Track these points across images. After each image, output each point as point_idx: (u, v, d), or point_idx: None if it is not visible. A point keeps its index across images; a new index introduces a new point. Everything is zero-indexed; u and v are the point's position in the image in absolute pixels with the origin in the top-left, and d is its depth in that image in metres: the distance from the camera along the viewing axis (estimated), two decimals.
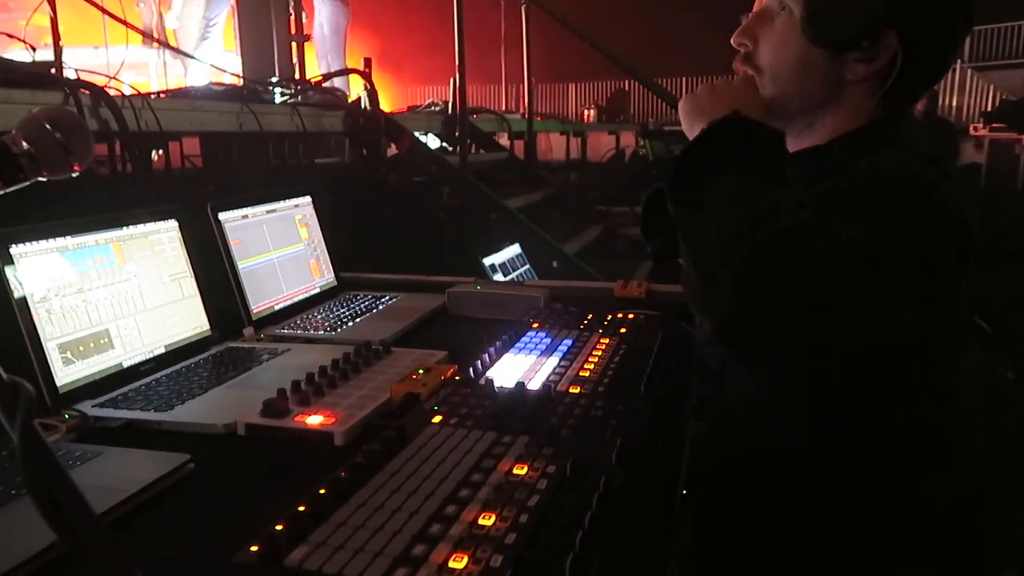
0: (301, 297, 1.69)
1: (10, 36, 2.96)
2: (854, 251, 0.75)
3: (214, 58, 5.00)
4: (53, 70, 2.39)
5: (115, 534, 0.73)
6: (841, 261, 0.75)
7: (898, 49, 0.95)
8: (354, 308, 1.69)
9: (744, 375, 1.06)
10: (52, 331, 1.12)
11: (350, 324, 1.58)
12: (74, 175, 0.67)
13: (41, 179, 0.65)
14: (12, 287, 1.07)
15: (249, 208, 1.61)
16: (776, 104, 1.03)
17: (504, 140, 5.52)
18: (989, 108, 10.41)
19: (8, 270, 1.08)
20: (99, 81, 2.18)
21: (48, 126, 0.64)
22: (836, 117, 1.02)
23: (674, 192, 0.88)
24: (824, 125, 1.03)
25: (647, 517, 0.84)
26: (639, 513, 0.83)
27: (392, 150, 3.68)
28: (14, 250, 1.09)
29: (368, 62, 3.57)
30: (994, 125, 7.66)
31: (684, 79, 11.65)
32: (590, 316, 1.47)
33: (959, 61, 10.30)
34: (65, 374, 1.12)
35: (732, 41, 1.06)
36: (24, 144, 0.63)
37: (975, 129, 8.20)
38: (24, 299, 1.09)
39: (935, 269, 0.80)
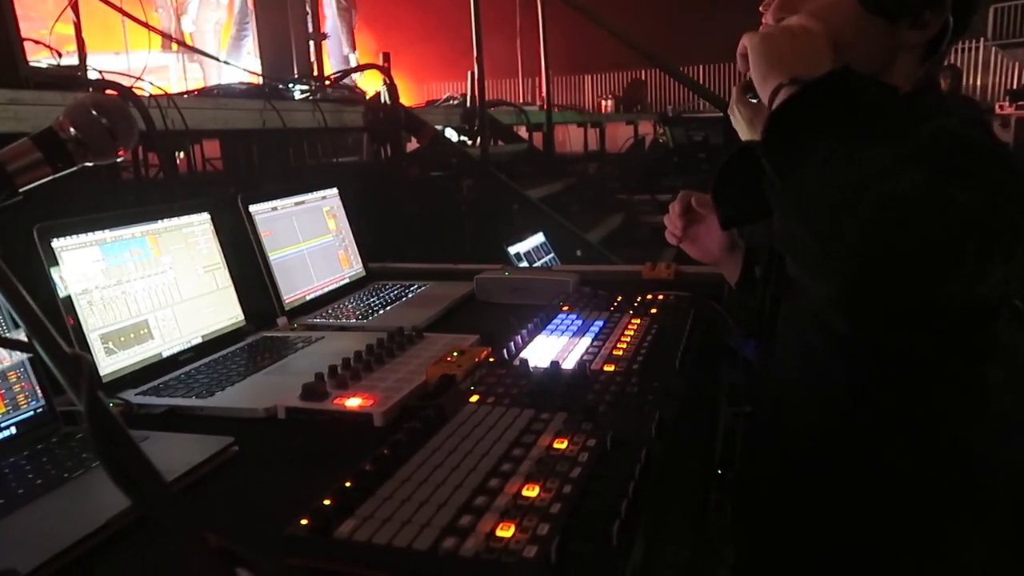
0: (331, 287, 1.71)
1: (37, 42, 3.01)
2: (967, 213, 0.73)
3: (233, 59, 5.04)
4: (79, 74, 2.42)
5: (184, 497, 0.75)
6: (960, 222, 0.73)
7: (949, 17, 0.96)
8: (384, 297, 1.70)
9: (803, 357, 1.04)
10: (94, 322, 1.14)
11: (381, 312, 1.59)
12: (118, 160, 0.68)
13: (87, 164, 0.67)
14: (55, 280, 1.10)
15: (278, 200, 1.63)
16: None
17: (522, 133, 5.52)
18: (1014, 86, 10.22)
19: (51, 263, 1.10)
20: (124, 83, 2.22)
21: (94, 111, 0.65)
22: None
23: (774, 151, 0.84)
24: None
25: (687, 489, 0.84)
26: (680, 485, 0.83)
27: (412, 144, 3.69)
28: (56, 244, 1.12)
29: (387, 57, 3.58)
30: (1020, 103, 7.53)
31: (702, 66, 11.57)
32: (620, 298, 1.47)
33: (983, 39, 10.10)
34: (108, 364, 1.14)
35: (770, 15, 1.03)
36: (72, 130, 0.65)
37: (1001, 108, 8.06)
38: (67, 291, 1.11)
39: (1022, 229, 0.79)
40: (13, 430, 0.95)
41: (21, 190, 0.63)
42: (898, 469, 0.94)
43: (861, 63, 0.97)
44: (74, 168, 0.66)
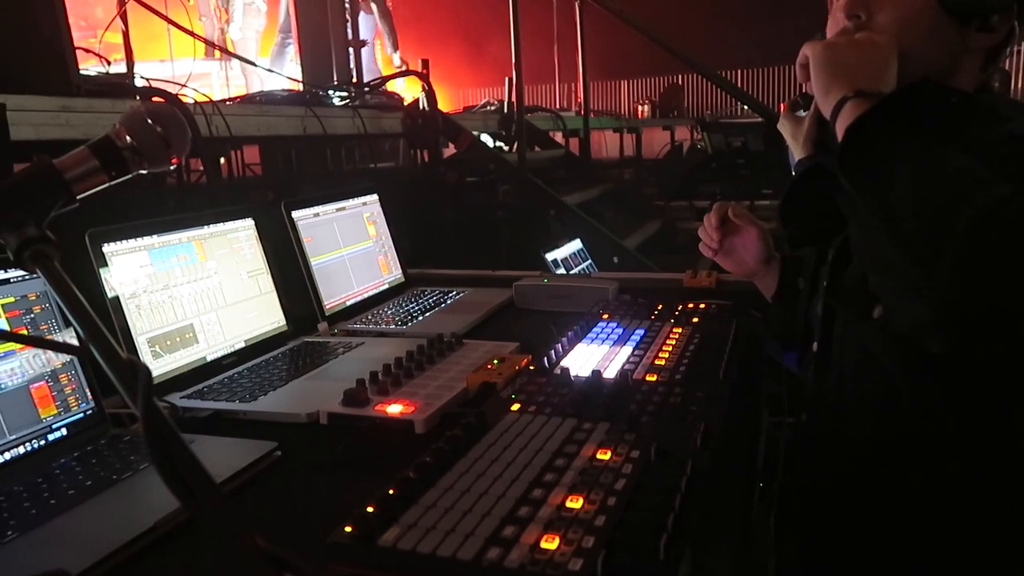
0: (371, 293, 1.72)
1: (87, 51, 3.09)
2: None
3: (276, 66, 5.12)
4: (127, 81, 2.48)
5: (234, 501, 0.76)
6: None
7: (1015, 22, 0.95)
8: (423, 303, 1.71)
9: (852, 369, 1.02)
10: (142, 326, 1.16)
11: (420, 318, 1.60)
12: (171, 167, 0.70)
13: (142, 172, 0.68)
14: (105, 284, 1.12)
15: (320, 206, 1.64)
16: (905, 73, 0.96)
17: (559, 138, 5.52)
18: None
19: (102, 267, 1.13)
20: (170, 90, 2.26)
21: (149, 120, 0.66)
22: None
23: (853, 168, 0.83)
24: None
25: (734, 501, 0.83)
26: (726, 497, 0.81)
27: (449, 150, 3.71)
28: (106, 249, 1.14)
29: (425, 63, 3.61)
30: None
31: (740, 71, 11.45)
32: (660, 306, 1.46)
33: None
34: (154, 367, 1.16)
35: (843, 11, 1.00)
36: (127, 138, 0.66)
37: None
38: (116, 295, 1.13)
39: None
40: (64, 431, 0.97)
41: (79, 197, 0.65)
42: (968, 481, 0.91)
43: (926, 66, 0.96)
44: (129, 176, 0.67)
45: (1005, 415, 0.89)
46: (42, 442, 0.94)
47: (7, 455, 0.90)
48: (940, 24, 0.96)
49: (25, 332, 0.95)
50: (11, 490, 0.85)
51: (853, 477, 1.00)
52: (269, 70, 4.50)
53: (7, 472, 0.89)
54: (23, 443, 0.92)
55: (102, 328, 0.52)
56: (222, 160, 3.04)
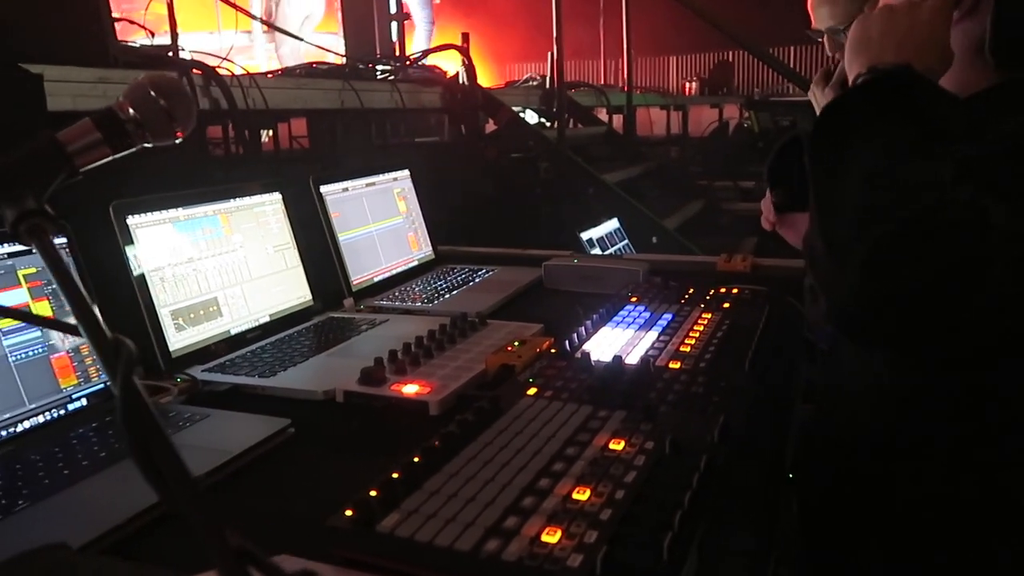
0: (399, 269, 1.71)
1: (131, 22, 3.13)
2: (1001, 239, 0.68)
3: (317, 39, 5.12)
4: (170, 53, 2.50)
5: (207, 492, 0.76)
6: (984, 255, 0.68)
7: None
8: (451, 280, 1.69)
9: (856, 358, 0.99)
10: (165, 298, 1.17)
11: (447, 296, 1.58)
12: (177, 141, 0.68)
13: (146, 145, 0.67)
14: (129, 256, 1.13)
15: (349, 181, 1.63)
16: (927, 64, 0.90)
17: (603, 115, 5.43)
18: None
19: (126, 240, 1.13)
20: (211, 63, 2.27)
21: (152, 92, 0.65)
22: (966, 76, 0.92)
23: (815, 146, 0.80)
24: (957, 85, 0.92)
25: (750, 500, 0.80)
26: (741, 495, 0.78)
27: (490, 125, 3.68)
28: (131, 221, 1.14)
29: (466, 37, 3.56)
30: None
31: (792, 47, 11.11)
32: (691, 290, 1.41)
33: None
34: (177, 339, 1.17)
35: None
36: (131, 111, 0.65)
37: None
38: (139, 266, 1.14)
39: None
40: (84, 402, 0.98)
41: (82, 170, 0.64)
42: (951, 478, 0.88)
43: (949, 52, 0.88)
44: (132, 149, 0.66)
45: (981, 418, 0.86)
46: (62, 412, 0.96)
47: (27, 423, 0.91)
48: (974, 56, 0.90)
49: (46, 302, 0.96)
50: (28, 458, 0.86)
51: (847, 471, 0.98)
52: (308, 42, 4.49)
53: (26, 440, 0.90)
54: (43, 412, 0.93)
55: (91, 305, 0.51)
56: (268, 133, 3.06)
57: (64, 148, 0.62)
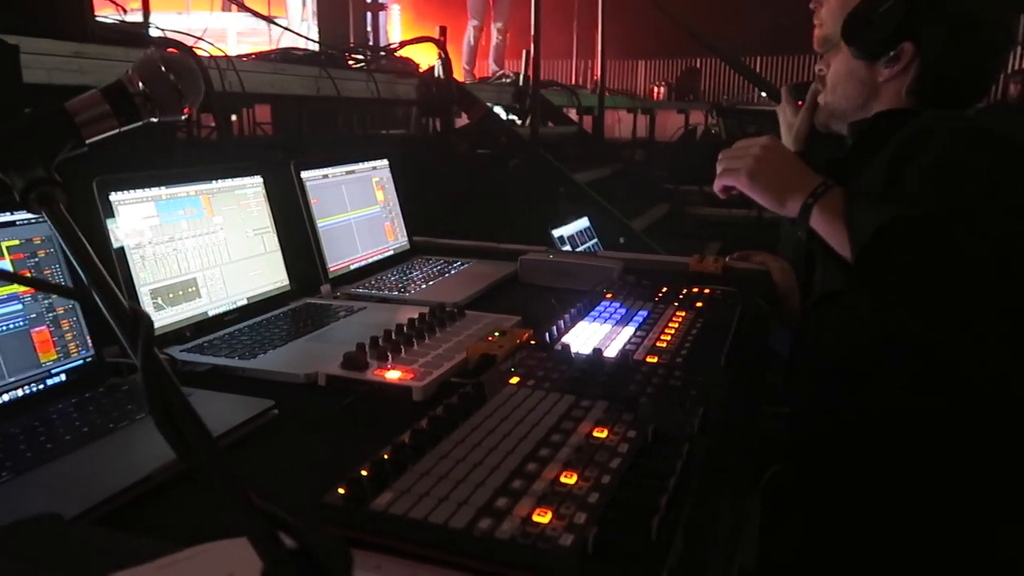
0: (376, 258, 1.72)
1: None
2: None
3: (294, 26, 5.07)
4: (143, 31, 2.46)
5: (228, 454, 0.76)
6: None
7: (914, 57, 1.18)
8: (426, 271, 1.70)
9: (841, 345, 1.08)
10: (145, 276, 1.16)
11: (423, 286, 1.59)
12: (182, 117, 0.69)
13: (152, 120, 0.67)
14: (111, 232, 1.12)
15: (329, 168, 1.63)
16: (833, 107, 1.31)
17: (573, 115, 5.47)
18: None
19: (108, 215, 1.12)
20: (186, 42, 2.24)
21: (163, 68, 0.65)
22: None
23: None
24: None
25: (729, 488, 0.83)
26: (721, 484, 0.81)
27: (462, 120, 3.68)
28: (113, 197, 1.13)
29: (443, 31, 3.56)
30: None
31: (760, 57, 11.31)
32: (665, 289, 1.45)
33: None
34: (156, 319, 1.16)
35: (816, 68, 1.34)
36: (140, 84, 0.65)
37: None
38: (121, 244, 1.13)
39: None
40: (63, 377, 0.97)
41: (88, 141, 0.64)
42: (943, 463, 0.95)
43: (853, 98, 1.27)
44: (139, 123, 0.66)
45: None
46: (41, 386, 0.95)
47: (5, 397, 0.90)
48: (853, 65, 1.24)
49: (29, 275, 0.95)
50: (8, 432, 0.85)
51: (824, 464, 1.03)
52: (283, 27, 4.45)
53: (4, 414, 0.89)
54: (22, 386, 0.92)
55: (105, 275, 0.51)
56: (233, 118, 3.02)
57: (72, 118, 0.62)
